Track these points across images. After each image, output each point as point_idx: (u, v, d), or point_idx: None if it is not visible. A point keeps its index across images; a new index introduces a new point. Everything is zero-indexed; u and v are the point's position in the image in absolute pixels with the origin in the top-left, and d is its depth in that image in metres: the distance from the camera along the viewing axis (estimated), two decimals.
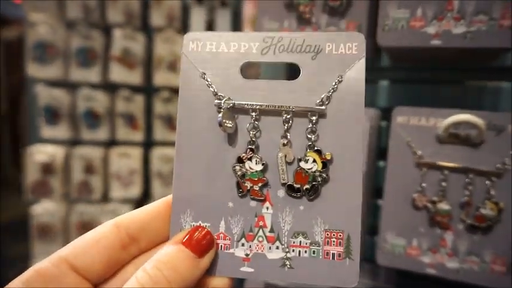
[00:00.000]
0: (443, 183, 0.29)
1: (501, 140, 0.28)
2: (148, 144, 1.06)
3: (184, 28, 1.10)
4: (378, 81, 0.45)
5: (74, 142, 1.05)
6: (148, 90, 1.06)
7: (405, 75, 0.45)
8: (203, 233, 0.20)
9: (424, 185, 0.30)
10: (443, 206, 0.29)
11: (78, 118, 1.03)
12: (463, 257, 0.29)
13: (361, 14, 0.33)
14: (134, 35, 1.02)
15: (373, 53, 0.42)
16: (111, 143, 1.05)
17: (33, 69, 0.98)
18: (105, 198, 1.06)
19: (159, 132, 1.05)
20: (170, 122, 1.06)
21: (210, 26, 1.19)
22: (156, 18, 1.03)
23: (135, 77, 1.00)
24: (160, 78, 1.02)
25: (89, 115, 1.03)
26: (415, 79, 0.44)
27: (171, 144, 1.19)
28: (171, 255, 0.19)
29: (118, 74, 1.00)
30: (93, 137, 1.03)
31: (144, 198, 1.10)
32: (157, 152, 1.04)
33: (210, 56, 0.20)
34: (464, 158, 0.29)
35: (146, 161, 1.07)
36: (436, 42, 0.29)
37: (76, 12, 0.99)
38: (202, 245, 0.19)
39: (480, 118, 0.27)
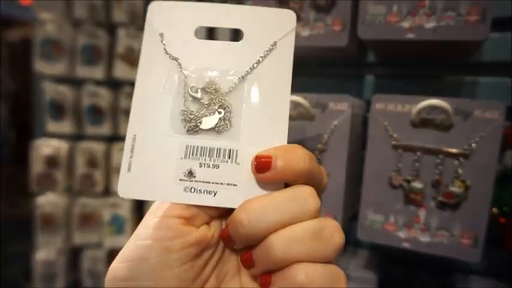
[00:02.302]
0: (417, 164, 0.32)
1: (468, 124, 0.31)
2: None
3: None
4: (365, 76, 0.48)
5: (78, 137, 1.08)
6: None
7: (389, 70, 0.48)
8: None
9: (399, 165, 0.33)
10: (417, 184, 0.32)
11: (82, 113, 1.06)
12: (435, 232, 0.32)
13: (345, 11, 0.36)
14: (137, 34, 1.05)
15: (360, 50, 0.45)
16: (113, 138, 1.08)
17: (41, 66, 1.01)
18: (107, 191, 1.09)
19: None
20: None
21: (208, 29, 1.22)
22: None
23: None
24: None
25: (93, 111, 1.06)
26: (398, 74, 0.47)
27: None
28: None
29: (121, 71, 1.04)
30: (97, 131, 1.06)
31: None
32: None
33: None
34: (436, 140, 0.32)
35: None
36: (410, 35, 0.32)
37: (82, 12, 1.03)
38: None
39: (448, 104, 0.30)
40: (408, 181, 0.33)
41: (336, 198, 0.35)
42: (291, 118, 0.38)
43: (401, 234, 0.33)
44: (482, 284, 0.39)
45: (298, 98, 0.36)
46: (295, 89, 0.54)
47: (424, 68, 0.46)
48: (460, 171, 0.31)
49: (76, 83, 1.04)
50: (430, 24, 0.31)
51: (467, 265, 0.43)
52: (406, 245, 0.33)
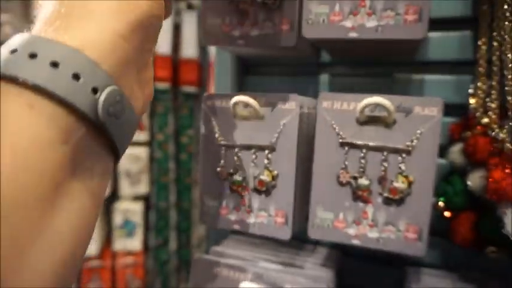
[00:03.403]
0: (363, 161, 0.33)
1: (409, 121, 0.31)
2: None
3: None
4: (320, 75, 0.49)
5: None
6: None
7: (343, 69, 0.48)
8: None
9: (346, 163, 0.33)
10: (363, 181, 0.33)
11: None
12: (382, 227, 0.33)
13: (293, 11, 0.37)
14: None
15: (314, 49, 0.45)
16: None
17: None
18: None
19: None
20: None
21: (176, 29, 1.20)
22: None
23: None
24: None
25: None
26: (352, 73, 0.48)
27: (138, 144, 1.20)
28: None
29: None
30: None
31: (112, 198, 1.11)
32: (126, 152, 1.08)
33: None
34: (380, 137, 0.32)
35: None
36: (352, 34, 0.33)
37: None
38: None
39: (390, 101, 0.31)
40: (355, 178, 0.33)
41: (287, 197, 0.35)
42: (242, 118, 0.37)
43: (351, 231, 0.33)
44: (438, 276, 0.40)
45: (246, 98, 0.36)
46: (249, 89, 0.54)
47: (376, 67, 0.47)
48: (403, 167, 0.32)
49: None
50: (371, 24, 0.32)
51: (423, 259, 0.44)
52: (355, 241, 0.33)
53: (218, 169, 0.38)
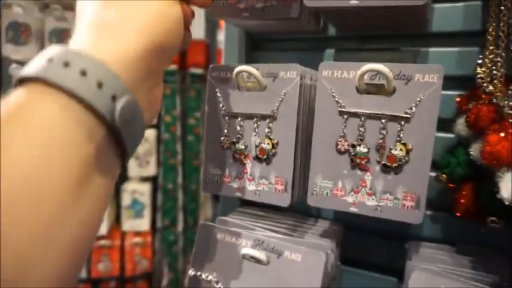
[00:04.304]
0: (361, 129, 0.33)
1: (409, 89, 0.31)
2: None
3: None
4: (325, 49, 0.49)
5: None
6: None
7: (349, 44, 0.48)
8: None
9: (345, 131, 0.33)
10: (362, 149, 0.33)
11: None
12: (380, 196, 0.33)
13: None
14: None
15: (318, 24, 0.45)
16: None
17: (8, 50, 0.99)
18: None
19: None
20: None
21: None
22: None
23: None
24: None
25: None
26: (357, 47, 0.48)
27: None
28: None
29: None
30: None
31: (121, 179, 1.13)
32: None
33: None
34: (379, 105, 0.32)
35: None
36: (354, 2, 0.32)
37: None
38: None
39: (390, 68, 0.31)
40: (354, 146, 0.33)
41: (287, 165, 0.36)
42: (246, 89, 0.38)
43: (349, 199, 0.34)
44: (437, 248, 0.41)
45: (250, 68, 0.36)
46: (255, 62, 0.54)
47: (383, 41, 0.46)
48: (401, 134, 0.32)
49: None
50: None
51: (425, 233, 0.44)
52: (353, 209, 0.34)
53: (221, 138, 0.39)
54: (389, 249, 0.46)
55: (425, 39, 0.44)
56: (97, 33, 0.23)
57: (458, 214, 0.37)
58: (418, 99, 0.31)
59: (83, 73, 0.20)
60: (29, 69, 0.20)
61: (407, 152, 0.32)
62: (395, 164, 0.32)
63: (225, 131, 0.39)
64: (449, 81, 0.41)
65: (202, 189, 0.42)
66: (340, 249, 0.46)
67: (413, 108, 0.31)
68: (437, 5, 0.42)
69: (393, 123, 0.32)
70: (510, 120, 0.29)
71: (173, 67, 1.20)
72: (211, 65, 0.40)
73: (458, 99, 0.39)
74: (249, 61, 0.54)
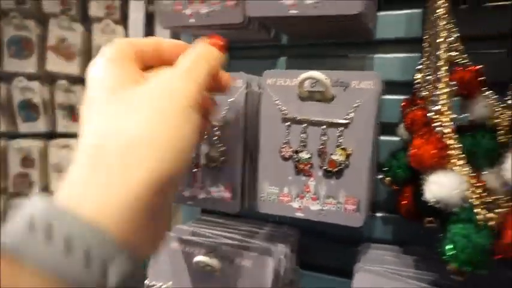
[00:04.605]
0: (303, 135, 0.34)
1: (347, 95, 0.32)
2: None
3: (123, 19, 1.09)
4: (280, 57, 0.50)
5: (11, 135, 1.03)
6: None
7: (300, 51, 0.49)
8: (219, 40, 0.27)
9: (288, 137, 0.34)
10: (304, 155, 0.34)
11: (15, 110, 1.01)
12: (324, 200, 0.34)
13: None
14: (71, 25, 1.01)
15: (266, 31, 0.46)
16: (50, 135, 1.04)
17: None
18: (46, 191, 1.05)
19: None
20: None
21: (150, 18, 1.20)
22: (95, 9, 1.03)
23: (73, 68, 1.00)
24: None
25: (25, 106, 1.01)
26: (308, 54, 0.49)
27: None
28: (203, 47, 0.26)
29: (55, 64, 1.00)
30: (31, 129, 1.02)
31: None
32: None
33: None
34: (320, 112, 0.33)
35: None
36: (293, 11, 0.33)
37: (8, 2, 0.97)
38: (221, 45, 0.27)
39: (328, 76, 0.32)
40: (297, 152, 0.34)
41: (235, 172, 0.36)
42: None
43: (295, 204, 0.35)
44: (385, 249, 0.42)
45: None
46: None
47: (332, 48, 0.47)
48: (341, 140, 0.33)
49: (5, 78, 0.99)
50: (310, 1, 0.33)
51: (376, 234, 0.45)
52: (299, 214, 0.35)
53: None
54: (344, 252, 0.47)
55: (371, 47, 0.46)
56: (92, 169, 0.19)
57: (404, 215, 0.38)
58: (355, 105, 0.32)
59: (68, 244, 0.17)
60: (6, 235, 0.17)
61: (347, 156, 0.32)
62: (336, 169, 0.33)
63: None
64: (394, 87, 0.43)
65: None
66: (296, 254, 0.47)
67: (351, 114, 0.32)
68: (381, 13, 0.44)
69: (333, 129, 0.33)
70: (432, 124, 0.30)
71: None
72: None
73: (403, 103, 0.41)
74: None
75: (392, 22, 0.44)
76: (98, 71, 0.23)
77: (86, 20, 1.03)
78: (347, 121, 0.32)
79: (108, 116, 0.21)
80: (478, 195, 0.28)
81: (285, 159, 0.34)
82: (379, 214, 0.45)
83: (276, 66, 0.50)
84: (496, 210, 0.26)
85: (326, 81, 0.31)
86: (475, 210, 0.26)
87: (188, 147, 0.22)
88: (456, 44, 0.33)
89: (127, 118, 0.20)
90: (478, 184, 0.28)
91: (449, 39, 0.33)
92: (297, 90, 0.33)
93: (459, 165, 0.28)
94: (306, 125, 0.33)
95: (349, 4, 0.32)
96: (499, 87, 0.33)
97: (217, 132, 0.37)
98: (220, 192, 0.37)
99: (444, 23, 0.32)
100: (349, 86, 0.32)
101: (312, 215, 0.34)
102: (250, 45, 0.52)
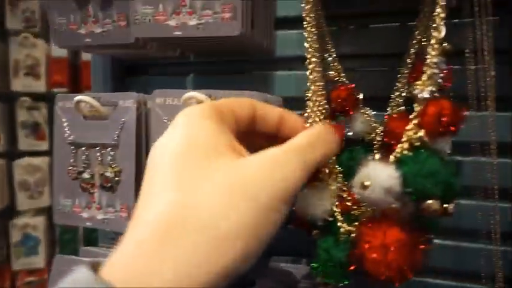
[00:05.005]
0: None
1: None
2: (10, 154, 1.02)
3: (46, 32, 1.00)
4: (188, 74, 0.50)
5: None
6: (7, 97, 0.99)
7: (207, 68, 0.48)
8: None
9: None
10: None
11: None
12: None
13: (128, 7, 0.38)
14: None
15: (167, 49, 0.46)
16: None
17: None
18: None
19: (23, 141, 1.01)
20: (36, 131, 1.03)
21: None
22: (12, 22, 0.98)
23: None
24: (19, 84, 0.97)
25: None
26: (214, 71, 0.48)
27: (38, 153, 1.09)
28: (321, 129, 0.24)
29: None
30: None
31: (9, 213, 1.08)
32: (22, 162, 1.03)
33: None
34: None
35: (10, 172, 1.04)
36: (177, 32, 0.35)
37: None
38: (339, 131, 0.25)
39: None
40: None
41: (130, 192, 0.37)
42: (90, 118, 0.39)
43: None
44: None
45: (87, 98, 0.37)
46: (126, 87, 0.55)
47: (237, 65, 0.48)
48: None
49: None
50: (193, 22, 0.34)
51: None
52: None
53: (69, 168, 0.39)
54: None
55: (271, 64, 0.46)
56: (161, 245, 0.16)
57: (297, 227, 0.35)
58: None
59: None
60: None
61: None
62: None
63: (72, 160, 0.39)
64: (293, 102, 0.39)
65: (54, 220, 0.41)
66: None
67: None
68: (279, 32, 0.44)
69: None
70: None
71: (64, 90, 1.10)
72: (57, 95, 0.42)
73: None
74: (118, 87, 0.53)
75: (294, 40, 0.43)
76: (187, 124, 0.19)
77: (3, 33, 0.96)
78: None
79: (192, 187, 0.17)
80: (342, 209, 0.27)
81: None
82: None
83: (186, 83, 0.50)
84: (355, 223, 0.26)
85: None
86: (338, 224, 0.27)
87: (265, 247, 0.18)
88: (334, 64, 0.34)
89: (218, 197, 0.17)
90: (348, 198, 0.29)
91: (329, 59, 0.34)
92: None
93: (330, 180, 0.28)
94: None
95: (230, 25, 0.33)
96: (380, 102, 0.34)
97: (111, 153, 0.37)
98: (117, 212, 0.38)
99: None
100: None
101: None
102: (165, 62, 0.52)
